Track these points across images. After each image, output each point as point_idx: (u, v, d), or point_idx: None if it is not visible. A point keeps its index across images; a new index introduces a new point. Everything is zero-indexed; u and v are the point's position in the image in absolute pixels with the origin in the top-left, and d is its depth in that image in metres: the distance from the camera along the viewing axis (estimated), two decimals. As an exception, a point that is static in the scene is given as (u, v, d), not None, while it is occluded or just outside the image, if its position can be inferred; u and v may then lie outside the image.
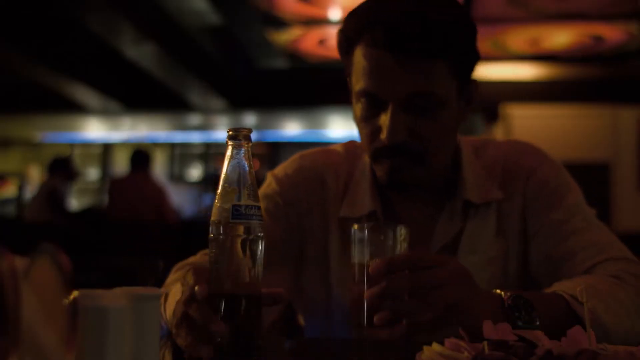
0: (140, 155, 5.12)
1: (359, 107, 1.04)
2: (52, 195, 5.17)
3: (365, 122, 1.04)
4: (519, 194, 1.10)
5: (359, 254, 0.81)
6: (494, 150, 1.15)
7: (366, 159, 1.15)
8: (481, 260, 1.08)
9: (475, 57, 1.04)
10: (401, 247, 0.80)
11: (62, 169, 5.40)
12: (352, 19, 1.03)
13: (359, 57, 1.01)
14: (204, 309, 0.74)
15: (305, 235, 1.15)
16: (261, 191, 1.15)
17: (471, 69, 1.05)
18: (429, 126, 1.01)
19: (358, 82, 1.02)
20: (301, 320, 1.25)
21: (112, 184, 5.47)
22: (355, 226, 0.82)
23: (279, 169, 1.20)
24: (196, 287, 0.75)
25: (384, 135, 1.00)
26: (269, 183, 1.18)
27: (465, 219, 1.09)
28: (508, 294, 0.85)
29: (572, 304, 0.87)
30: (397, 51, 0.96)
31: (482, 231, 1.09)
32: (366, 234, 0.81)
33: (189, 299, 0.76)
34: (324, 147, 1.24)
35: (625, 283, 0.96)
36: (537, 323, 0.82)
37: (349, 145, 1.22)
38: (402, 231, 0.81)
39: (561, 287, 0.92)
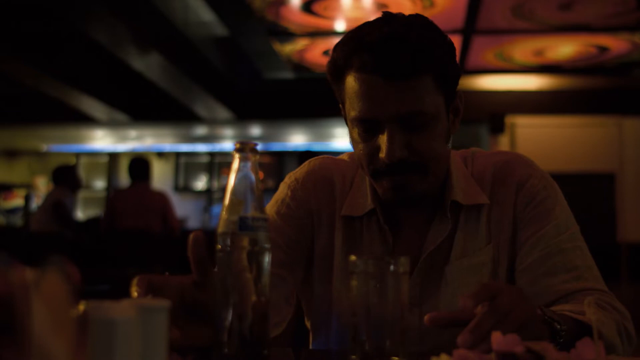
0: (139, 164, 5.02)
1: (355, 131, 1.10)
2: (56, 205, 5.16)
3: (364, 143, 1.08)
4: (509, 204, 1.14)
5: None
6: (483, 160, 1.20)
7: None
8: (472, 264, 1.12)
9: (457, 71, 1.11)
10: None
11: (66, 178, 5.38)
12: (340, 47, 1.08)
13: (350, 83, 1.07)
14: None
15: (314, 232, 1.20)
16: (274, 196, 1.23)
17: (455, 82, 1.11)
18: (425, 140, 1.06)
19: (352, 109, 1.07)
20: (307, 324, 1.26)
21: (115, 195, 5.45)
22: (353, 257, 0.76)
23: (289, 175, 1.26)
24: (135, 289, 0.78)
25: (383, 154, 1.04)
26: (281, 189, 1.24)
27: (456, 223, 1.14)
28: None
29: (579, 318, 0.90)
30: (385, 73, 1.02)
31: (472, 236, 1.14)
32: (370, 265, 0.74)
33: None
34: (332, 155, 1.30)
35: (606, 310, 1.02)
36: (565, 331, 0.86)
37: (353, 154, 1.26)
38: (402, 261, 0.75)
39: (560, 308, 0.97)
